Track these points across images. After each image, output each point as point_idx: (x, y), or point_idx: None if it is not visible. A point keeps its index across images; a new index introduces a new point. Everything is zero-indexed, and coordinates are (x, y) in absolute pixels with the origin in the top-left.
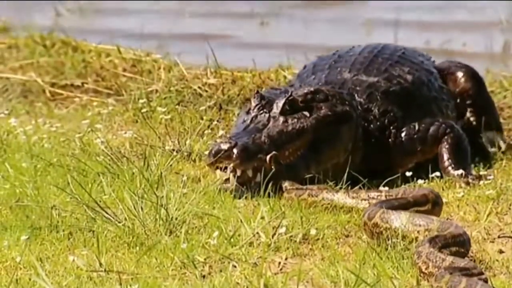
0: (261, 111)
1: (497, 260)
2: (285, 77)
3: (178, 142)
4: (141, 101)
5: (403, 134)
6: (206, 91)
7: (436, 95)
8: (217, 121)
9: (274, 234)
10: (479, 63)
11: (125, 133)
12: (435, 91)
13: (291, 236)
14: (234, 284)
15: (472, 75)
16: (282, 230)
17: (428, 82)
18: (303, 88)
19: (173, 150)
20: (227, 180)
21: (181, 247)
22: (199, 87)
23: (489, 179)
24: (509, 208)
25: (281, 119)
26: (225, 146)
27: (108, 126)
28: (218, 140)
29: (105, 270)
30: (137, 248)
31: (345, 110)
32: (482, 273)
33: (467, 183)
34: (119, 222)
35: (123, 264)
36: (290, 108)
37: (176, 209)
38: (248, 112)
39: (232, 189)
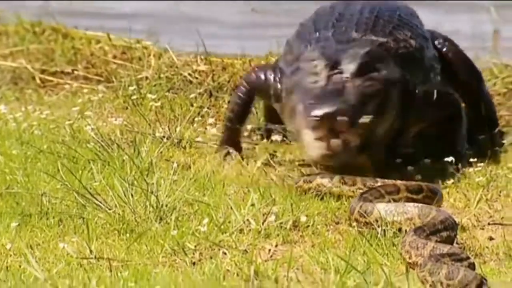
0: (334, 72)
1: (487, 247)
2: None
3: (169, 129)
4: (131, 88)
5: (418, 98)
6: (196, 78)
7: (433, 63)
8: (208, 108)
9: (264, 221)
10: (469, 49)
11: (115, 120)
12: (432, 59)
13: (281, 223)
14: (224, 271)
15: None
16: (272, 217)
17: (427, 49)
18: (359, 47)
19: (163, 137)
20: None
21: (171, 234)
22: (189, 74)
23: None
24: (499, 195)
25: (358, 82)
26: (330, 109)
27: (98, 113)
28: (312, 102)
29: (95, 257)
30: (127, 235)
31: (397, 71)
32: (468, 258)
33: (458, 170)
34: (109, 209)
35: (113, 251)
36: (360, 70)
37: (166, 196)
38: (314, 72)
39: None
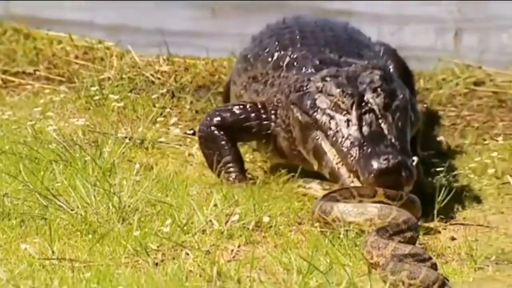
0: (363, 110)
1: (449, 247)
2: None
3: (131, 130)
4: (93, 88)
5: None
6: (159, 78)
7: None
8: (170, 108)
9: (227, 221)
10: (431, 51)
11: (78, 120)
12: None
13: (244, 223)
14: (187, 272)
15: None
16: (235, 217)
17: (388, 68)
18: (369, 73)
19: (126, 137)
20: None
21: (134, 234)
22: (151, 75)
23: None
24: (461, 195)
25: (390, 116)
26: (389, 164)
27: (60, 114)
28: (365, 153)
29: (57, 258)
30: (90, 235)
31: (404, 87)
32: (430, 258)
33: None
34: (72, 210)
35: (76, 252)
36: (387, 100)
37: (129, 197)
38: (340, 110)
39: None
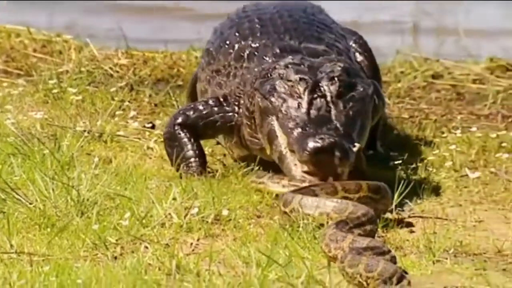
0: (315, 95)
1: (407, 240)
2: (196, 57)
3: (89, 123)
4: (51, 81)
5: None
6: (117, 71)
7: (352, 60)
8: (129, 101)
9: (186, 215)
10: (389, 43)
11: (36, 113)
12: (352, 57)
13: (203, 217)
14: (146, 265)
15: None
16: (194, 211)
17: (349, 49)
18: (333, 64)
19: (84, 131)
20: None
21: (92, 228)
22: (110, 68)
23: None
24: (420, 188)
25: (341, 104)
26: (323, 143)
27: (19, 107)
28: (303, 132)
29: (16, 252)
30: (48, 229)
31: (369, 84)
32: (389, 251)
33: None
34: (30, 204)
35: (34, 245)
36: (342, 90)
37: (87, 190)
38: (295, 95)
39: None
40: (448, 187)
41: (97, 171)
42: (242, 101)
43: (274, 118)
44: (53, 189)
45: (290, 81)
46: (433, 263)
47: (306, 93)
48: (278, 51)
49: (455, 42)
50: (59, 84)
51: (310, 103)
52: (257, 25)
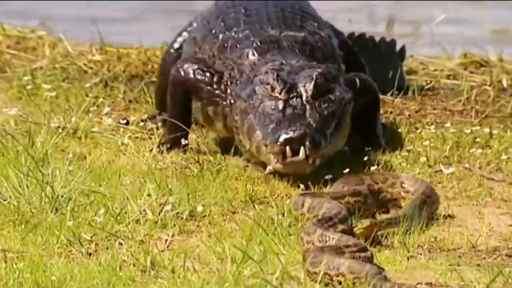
0: (291, 95)
1: (382, 236)
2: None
3: (64, 119)
4: (25, 78)
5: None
6: (92, 68)
7: (338, 50)
8: (103, 98)
9: (161, 211)
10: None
11: (10, 110)
12: (337, 46)
13: (177, 213)
14: (120, 262)
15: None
16: (169, 207)
17: (333, 38)
18: (312, 69)
19: (59, 127)
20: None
21: (67, 224)
22: (84, 64)
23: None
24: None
25: (317, 104)
26: (293, 134)
27: None
28: (277, 127)
29: None
30: (23, 226)
31: (348, 91)
32: (366, 249)
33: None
34: (4, 200)
35: (8, 242)
36: (318, 91)
37: (62, 187)
38: (271, 96)
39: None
40: None
41: (71, 168)
42: (228, 91)
43: (252, 116)
44: (27, 186)
45: (269, 83)
46: (408, 258)
47: (283, 93)
48: (258, 43)
49: (429, 37)
50: (33, 80)
51: (286, 101)
52: (242, 15)
